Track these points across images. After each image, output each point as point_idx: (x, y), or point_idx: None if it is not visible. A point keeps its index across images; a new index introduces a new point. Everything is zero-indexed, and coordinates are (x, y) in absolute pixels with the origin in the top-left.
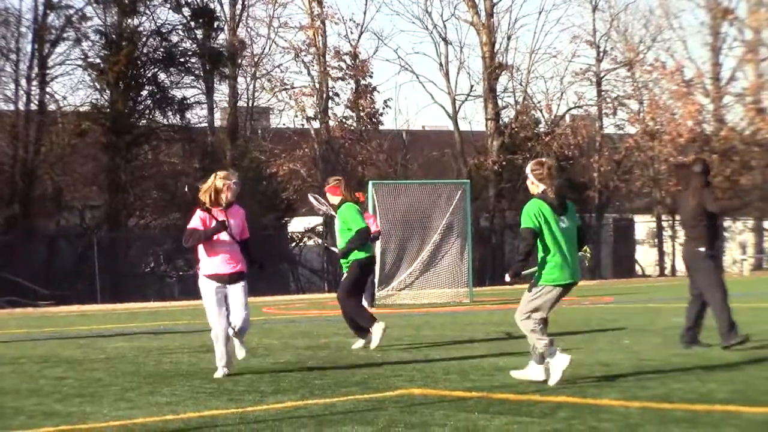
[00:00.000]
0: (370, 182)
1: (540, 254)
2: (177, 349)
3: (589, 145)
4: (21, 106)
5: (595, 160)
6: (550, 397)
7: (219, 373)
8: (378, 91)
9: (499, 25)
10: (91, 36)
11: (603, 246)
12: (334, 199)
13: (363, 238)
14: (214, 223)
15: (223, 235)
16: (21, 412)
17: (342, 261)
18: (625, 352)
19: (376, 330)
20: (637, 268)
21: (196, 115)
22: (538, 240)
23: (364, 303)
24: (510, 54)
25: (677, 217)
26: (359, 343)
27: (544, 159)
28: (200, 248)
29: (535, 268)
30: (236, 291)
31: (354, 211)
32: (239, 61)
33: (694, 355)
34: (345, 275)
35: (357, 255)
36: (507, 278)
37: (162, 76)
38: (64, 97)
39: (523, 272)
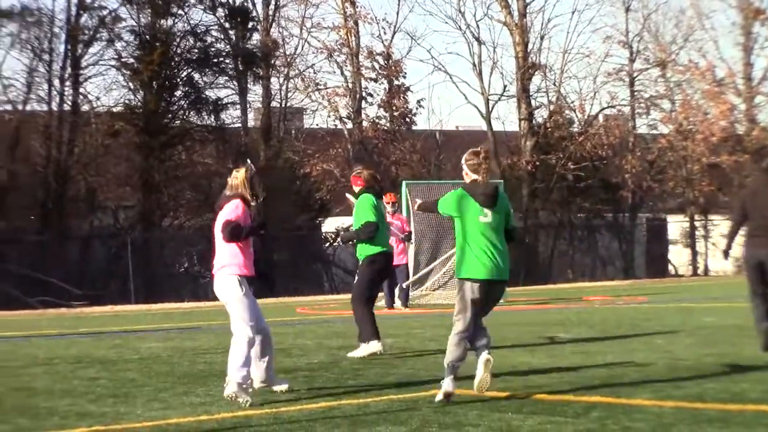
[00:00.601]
0: (404, 182)
1: (457, 245)
2: (211, 350)
3: (622, 145)
4: (54, 107)
5: (627, 160)
6: (583, 397)
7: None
8: (411, 91)
9: (532, 25)
10: (124, 36)
11: (636, 246)
12: (356, 189)
13: (367, 232)
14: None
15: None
16: (54, 412)
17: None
18: (658, 352)
19: (370, 347)
20: (670, 268)
21: (230, 116)
22: (457, 229)
23: (398, 303)
24: (543, 54)
25: (714, 217)
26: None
27: (480, 148)
28: (233, 246)
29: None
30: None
31: (367, 203)
32: (272, 61)
33: (726, 355)
34: (357, 275)
35: (368, 251)
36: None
37: (196, 76)
38: (98, 98)
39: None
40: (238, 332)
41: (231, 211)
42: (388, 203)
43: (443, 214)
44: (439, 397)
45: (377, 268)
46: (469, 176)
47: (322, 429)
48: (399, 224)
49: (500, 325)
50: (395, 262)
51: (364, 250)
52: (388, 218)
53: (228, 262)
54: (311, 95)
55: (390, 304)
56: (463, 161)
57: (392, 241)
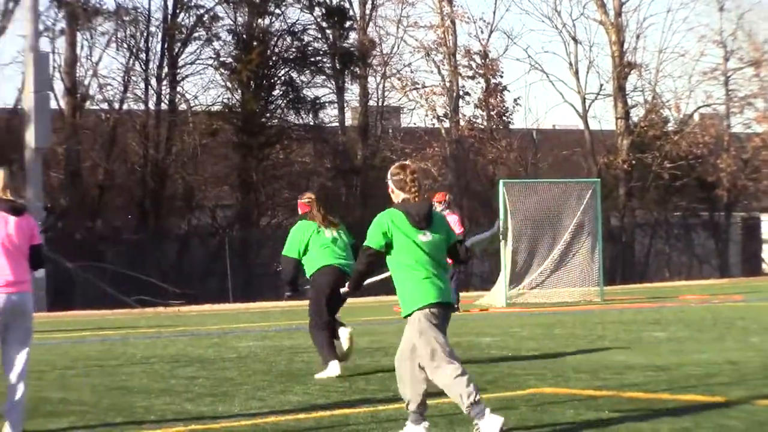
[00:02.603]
0: (501, 181)
1: (395, 277)
2: (309, 348)
3: (718, 144)
4: (151, 106)
5: (722, 159)
6: (678, 395)
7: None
8: (508, 90)
9: (628, 24)
10: (222, 36)
11: (731, 245)
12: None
13: (284, 272)
14: None
15: None
16: (151, 411)
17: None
18: (753, 351)
19: (328, 370)
20: (764, 266)
21: (328, 115)
22: (391, 259)
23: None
24: (638, 53)
25: None
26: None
27: (407, 162)
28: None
29: (380, 277)
30: None
31: (294, 232)
32: (370, 60)
33: None
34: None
35: (308, 273)
36: (344, 291)
37: (294, 75)
38: (195, 97)
39: (368, 281)
40: None
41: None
42: (439, 202)
43: (379, 248)
44: None
45: (317, 288)
46: (395, 194)
47: None
48: (451, 224)
49: (596, 323)
50: None
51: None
52: None
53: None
54: (408, 94)
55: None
56: (388, 176)
57: None
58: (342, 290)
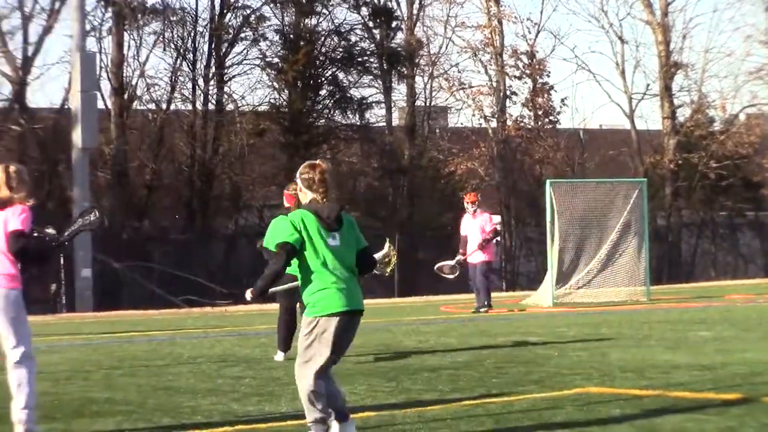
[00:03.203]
0: (548, 181)
1: (302, 279)
2: (356, 348)
3: (764, 143)
4: (199, 106)
5: None
6: (724, 394)
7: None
8: (555, 90)
9: (674, 23)
10: (269, 36)
11: None
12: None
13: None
14: None
15: None
16: (198, 411)
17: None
18: None
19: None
20: None
21: (375, 115)
22: (299, 261)
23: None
24: (685, 53)
25: None
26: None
27: (318, 161)
28: None
29: (287, 286)
30: None
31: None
32: (417, 60)
33: None
34: None
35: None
36: (248, 296)
37: (341, 75)
38: (242, 97)
39: (273, 289)
40: None
41: None
42: (472, 203)
43: (295, 242)
44: None
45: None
46: (304, 193)
47: (466, 427)
48: (482, 223)
49: (642, 323)
50: (473, 261)
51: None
52: (470, 219)
53: None
54: (455, 94)
55: (488, 304)
56: (297, 175)
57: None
58: (247, 295)
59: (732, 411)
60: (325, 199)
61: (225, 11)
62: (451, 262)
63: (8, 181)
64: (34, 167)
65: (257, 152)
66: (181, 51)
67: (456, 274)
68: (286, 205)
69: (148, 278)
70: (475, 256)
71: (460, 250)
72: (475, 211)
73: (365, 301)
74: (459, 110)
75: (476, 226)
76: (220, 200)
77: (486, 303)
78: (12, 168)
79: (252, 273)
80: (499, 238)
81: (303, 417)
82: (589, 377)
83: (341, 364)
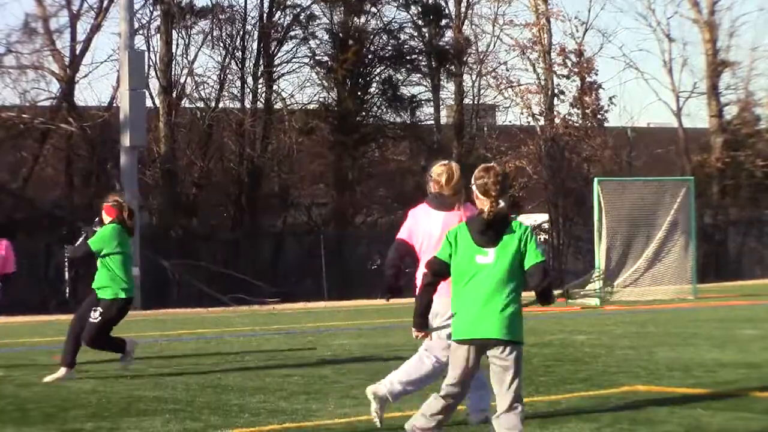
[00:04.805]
0: (596, 179)
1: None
2: (404, 346)
3: None
4: (247, 104)
5: None
6: (759, 393)
7: None
8: (603, 88)
9: (721, 22)
10: (318, 34)
11: None
12: (107, 220)
13: (80, 250)
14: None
15: None
16: (245, 409)
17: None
18: None
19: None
20: None
21: (423, 113)
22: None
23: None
24: (731, 51)
25: None
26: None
27: (492, 164)
28: None
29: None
30: None
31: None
32: (465, 58)
33: None
34: (95, 311)
35: (118, 291)
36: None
37: (390, 73)
38: (291, 95)
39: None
40: None
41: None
42: None
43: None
44: None
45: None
46: (480, 200)
47: None
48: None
49: (689, 321)
50: None
51: (111, 289)
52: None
53: None
54: (503, 92)
55: None
56: (473, 180)
57: None
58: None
59: None
60: (494, 204)
61: (274, 9)
62: None
63: None
64: (83, 166)
65: (306, 150)
66: (230, 49)
67: None
68: (107, 219)
69: (196, 276)
70: None
71: None
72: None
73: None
74: (507, 108)
75: None
76: (268, 198)
77: None
78: None
79: (300, 271)
80: None
81: (350, 415)
82: (636, 375)
83: (391, 362)
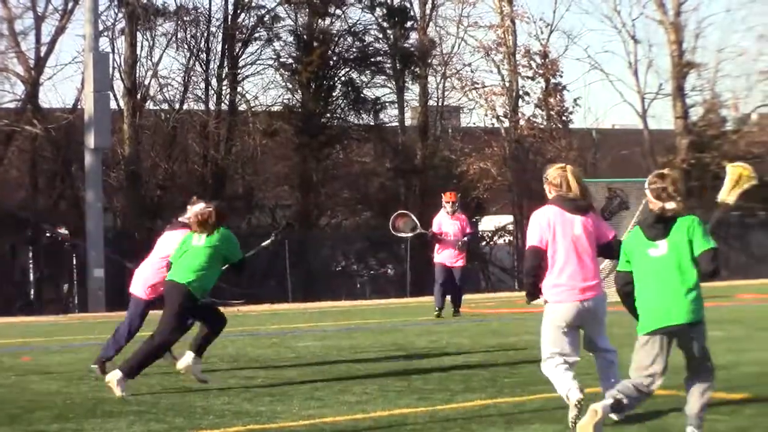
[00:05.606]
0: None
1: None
2: (368, 348)
3: None
4: (212, 106)
5: None
6: (735, 394)
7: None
8: (568, 90)
9: (687, 23)
10: (283, 36)
11: None
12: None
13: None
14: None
15: None
16: (210, 411)
17: None
18: None
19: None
20: None
21: (388, 115)
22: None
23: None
24: (697, 52)
25: None
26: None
27: (666, 171)
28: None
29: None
30: None
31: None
32: (430, 60)
33: None
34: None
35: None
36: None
37: (354, 76)
38: (256, 97)
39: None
40: None
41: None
42: (448, 202)
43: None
44: None
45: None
46: (653, 203)
47: (477, 427)
48: (459, 224)
49: None
50: (449, 263)
51: None
52: (449, 219)
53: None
54: (468, 94)
55: (440, 305)
56: (646, 186)
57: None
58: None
59: (744, 411)
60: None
61: (239, 11)
62: (412, 222)
63: None
64: (47, 168)
65: (270, 152)
66: (194, 51)
67: (415, 232)
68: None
69: None
70: (455, 260)
71: (431, 230)
72: (454, 212)
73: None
74: (471, 110)
75: (455, 227)
76: (232, 200)
77: (455, 310)
78: None
79: (264, 273)
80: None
81: (314, 417)
82: (595, 377)
83: (355, 364)
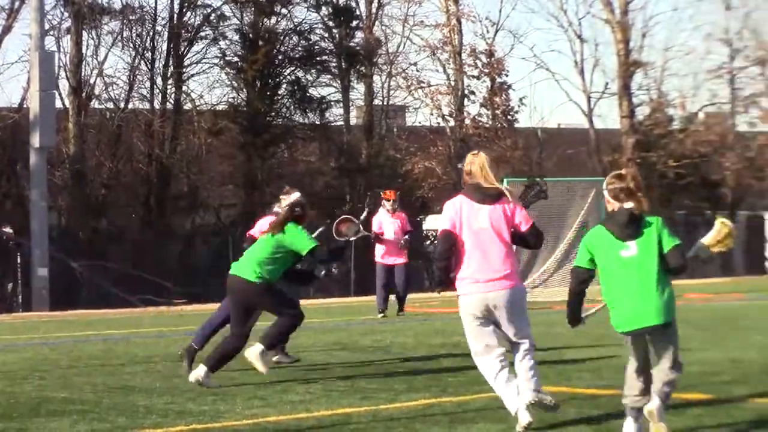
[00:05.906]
0: (505, 180)
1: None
2: (310, 347)
3: (723, 142)
4: (157, 105)
5: (726, 157)
6: (681, 393)
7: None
8: (513, 89)
9: (634, 22)
10: (228, 35)
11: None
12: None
13: None
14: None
15: None
16: (153, 411)
17: None
18: (756, 349)
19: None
20: (767, 265)
21: (333, 114)
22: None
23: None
24: (644, 51)
25: None
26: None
27: (624, 171)
28: None
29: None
30: None
31: None
32: (375, 59)
33: None
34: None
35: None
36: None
37: (300, 74)
38: (201, 96)
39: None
40: None
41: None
42: (388, 200)
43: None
44: None
45: None
46: (610, 203)
47: (421, 426)
48: (399, 223)
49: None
50: (391, 262)
51: None
52: (389, 217)
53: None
54: (413, 93)
55: (383, 307)
56: (604, 186)
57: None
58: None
59: (690, 411)
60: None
61: (184, 10)
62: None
63: None
64: None
65: (215, 151)
66: (140, 50)
67: (358, 235)
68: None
69: (104, 277)
70: (396, 258)
71: (373, 231)
72: (394, 211)
73: (321, 301)
74: (417, 109)
75: (395, 225)
76: (177, 199)
77: (400, 307)
78: None
79: (208, 272)
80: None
81: (258, 416)
82: (544, 376)
83: (299, 363)
